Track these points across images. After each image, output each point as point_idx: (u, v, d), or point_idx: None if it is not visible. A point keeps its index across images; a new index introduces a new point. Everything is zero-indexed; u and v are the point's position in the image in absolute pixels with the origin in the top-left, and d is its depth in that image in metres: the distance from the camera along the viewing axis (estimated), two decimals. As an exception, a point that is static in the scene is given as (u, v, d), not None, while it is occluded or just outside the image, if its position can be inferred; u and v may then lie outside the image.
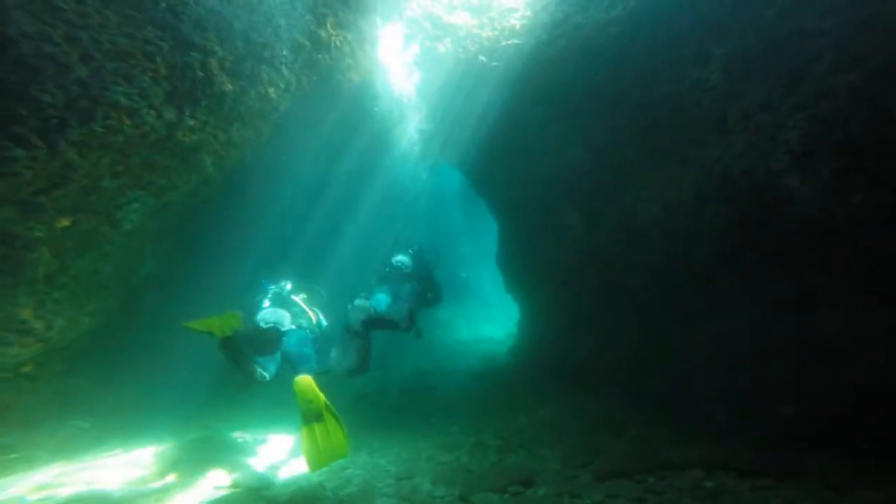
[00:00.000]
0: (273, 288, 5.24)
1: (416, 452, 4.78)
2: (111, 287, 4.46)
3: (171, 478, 3.97)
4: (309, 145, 6.71)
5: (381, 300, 5.99)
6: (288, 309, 4.98)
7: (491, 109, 6.62)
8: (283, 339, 4.59)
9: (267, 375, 4.28)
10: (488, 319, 14.89)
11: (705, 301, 4.00)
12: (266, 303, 5.04)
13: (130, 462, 4.32)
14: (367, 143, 7.78)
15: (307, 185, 7.64)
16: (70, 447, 4.34)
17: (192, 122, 4.05)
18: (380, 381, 7.70)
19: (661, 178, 4.18)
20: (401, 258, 6.19)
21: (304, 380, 3.99)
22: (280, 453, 4.86)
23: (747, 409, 3.77)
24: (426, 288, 6.08)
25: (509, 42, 6.02)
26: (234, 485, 3.77)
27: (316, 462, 3.67)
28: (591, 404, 5.54)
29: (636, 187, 4.55)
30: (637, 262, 4.67)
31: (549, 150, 5.90)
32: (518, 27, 5.97)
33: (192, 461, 4.33)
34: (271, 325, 4.62)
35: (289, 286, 5.35)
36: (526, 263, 6.98)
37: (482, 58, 6.43)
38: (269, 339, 4.48)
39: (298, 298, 5.28)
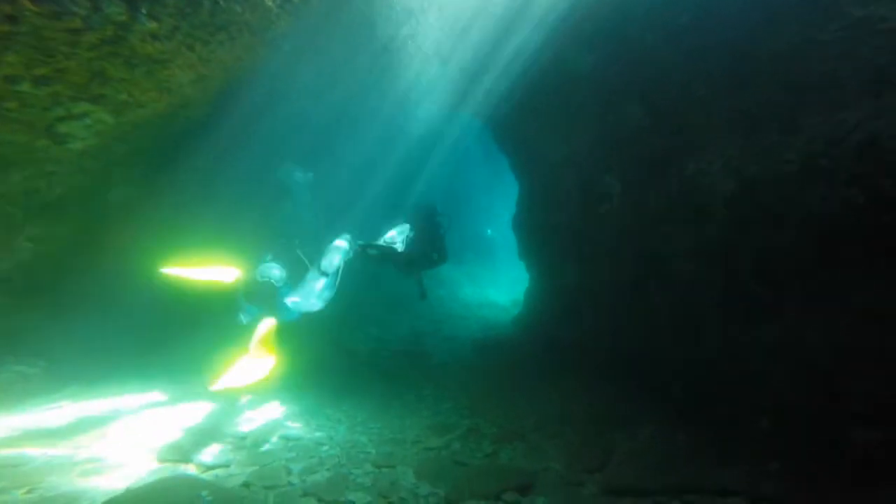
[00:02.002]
0: (282, 242, 5.09)
1: (403, 432, 4.28)
2: (63, 210, 3.78)
3: (105, 443, 3.36)
4: (311, 74, 5.75)
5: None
6: (288, 266, 4.82)
7: (530, 52, 5.56)
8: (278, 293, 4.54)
9: (243, 320, 4.25)
10: (493, 283, 14.33)
11: (773, 299, 3.25)
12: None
13: (74, 416, 3.77)
14: (380, 78, 6.74)
15: (307, 120, 6.74)
16: (9, 397, 3.79)
17: (153, 26, 3.13)
18: (374, 341, 7.22)
19: (748, 147, 3.30)
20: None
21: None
22: (261, 418, 4.37)
23: (804, 425, 3.12)
24: (432, 248, 5.68)
25: (569, -35, 4.87)
26: (184, 458, 3.26)
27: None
28: (602, 393, 4.98)
29: (704, 157, 3.67)
30: (689, 246, 3.89)
31: (596, 105, 4.94)
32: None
33: (146, 422, 3.84)
34: (265, 279, 4.45)
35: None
36: (547, 231, 6.21)
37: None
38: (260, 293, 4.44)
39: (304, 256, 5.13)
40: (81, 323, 4.46)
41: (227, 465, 3.27)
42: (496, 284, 14.16)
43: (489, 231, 16.61)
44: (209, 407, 4.41)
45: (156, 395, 4.50)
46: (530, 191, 6.98)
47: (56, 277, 4.24)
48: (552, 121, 5.73)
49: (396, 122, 8.38)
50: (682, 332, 4.26)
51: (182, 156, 5.04)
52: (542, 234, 6.39)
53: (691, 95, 4.06)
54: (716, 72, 3.82)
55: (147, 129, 4.14)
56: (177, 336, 5.32)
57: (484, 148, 12.85)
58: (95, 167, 4.03)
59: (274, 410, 4.57)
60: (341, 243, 5.04)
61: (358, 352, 6.70)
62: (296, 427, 4.17)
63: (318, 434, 4.02)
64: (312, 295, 4.69)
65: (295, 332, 6.69)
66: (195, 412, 4.25)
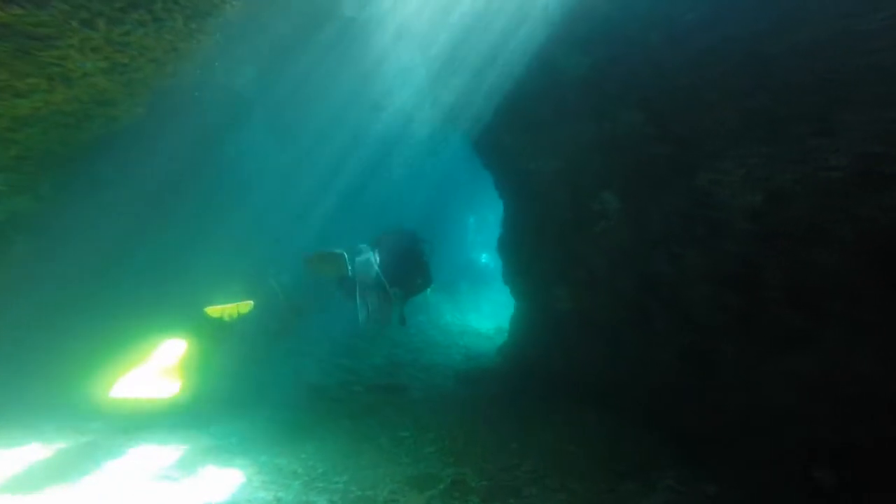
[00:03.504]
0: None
1: (374, 487, 3.54)
2: None
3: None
4: (274, 71, 5.19)
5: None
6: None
7: (516, 52, 5.20)
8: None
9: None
10: (476, 308, 13.71)
11: (810, 325, 2.78)
12: None
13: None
14: (352, 80, 6.22)
15: (267, 122, 6.17)
16: None
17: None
18: (345, 373, 6.45)
19: (775, 154, 2.90)
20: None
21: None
22: (187, 473, 3.56)
23: (869, 475, 2.56)
24: (416, 273, 5.52)
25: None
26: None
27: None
28: (603, 432, 4.38)
29: (720, 167, 3.27)
30: (702, 268, 3.44)
31: (591, 112, 4.56)
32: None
33: (50, 478, 3.02)
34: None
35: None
36: (536, 252, 5.71)
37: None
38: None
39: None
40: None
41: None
42: (479, 310, 13.54)
43: (484, 258, 15.90)
44: (113, 461, 3.58)
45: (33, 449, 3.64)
46: (516, 209, 6.52)
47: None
48: (541, 131, 5.32)
49: (366, 128, 7.86)
50: (694, 364, 3.74)
51: (109, 165, 4.36)
52: (529, 255, 5.89)
53: (700, 99, 3.69)
54: (728, 73, 3.48)
55: (44, 127, 3.43)
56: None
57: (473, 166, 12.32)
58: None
59: (208, 461, 3.76)
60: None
61: (325, 386, 5.92)
62: (234, 485, 3.37)
63: (261, 495, 3.24)
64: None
65: (249, 365, 5.91)
66: (86, 463, 3.43)
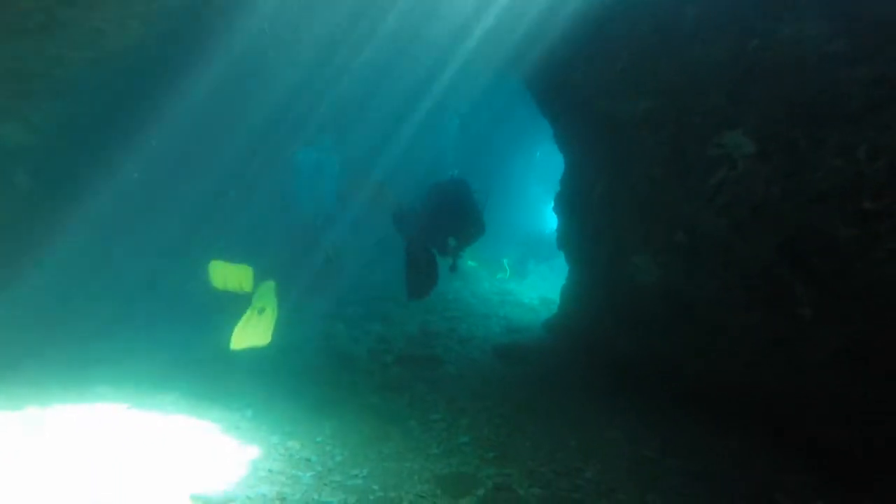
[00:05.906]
0: None
1: (399, 486, 2.89)
2: None
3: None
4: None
5: None
6: None
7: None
8: None
9: None
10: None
11: None
12: None
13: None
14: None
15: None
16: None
17: None
18: (376, 340, 5.82)
19: None
20: None
21: None
22: (178, 458, 3.01)
23: None
24: (469, 222, 5.62)
25: None
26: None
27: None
28: (702, 441, 3.47)
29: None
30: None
31: (721, 29, 3.38)
32: None
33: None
34: None
35: None
36: (610, 210, 4.66)
37: None
38: None
39: None
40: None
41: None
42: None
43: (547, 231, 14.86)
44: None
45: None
46: (584, 161, 5.42)
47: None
48: (631, 61, 4.15)
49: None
50: (869, 370, 2.70)
51: (129, 102, 3.73)
52: (600, 214, 4.85)
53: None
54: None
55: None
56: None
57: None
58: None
59: (214, 440, 3.20)
60: None
61: (354, 355, 5.33)
62: (237, 474, 2.78)
63: (263, 490, 2.62)
64: None
65: (278, 325, 5.36)
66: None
